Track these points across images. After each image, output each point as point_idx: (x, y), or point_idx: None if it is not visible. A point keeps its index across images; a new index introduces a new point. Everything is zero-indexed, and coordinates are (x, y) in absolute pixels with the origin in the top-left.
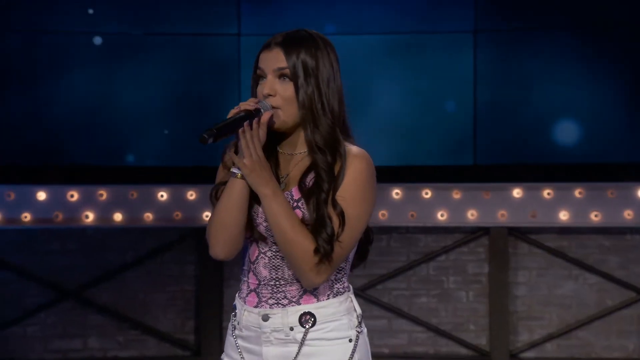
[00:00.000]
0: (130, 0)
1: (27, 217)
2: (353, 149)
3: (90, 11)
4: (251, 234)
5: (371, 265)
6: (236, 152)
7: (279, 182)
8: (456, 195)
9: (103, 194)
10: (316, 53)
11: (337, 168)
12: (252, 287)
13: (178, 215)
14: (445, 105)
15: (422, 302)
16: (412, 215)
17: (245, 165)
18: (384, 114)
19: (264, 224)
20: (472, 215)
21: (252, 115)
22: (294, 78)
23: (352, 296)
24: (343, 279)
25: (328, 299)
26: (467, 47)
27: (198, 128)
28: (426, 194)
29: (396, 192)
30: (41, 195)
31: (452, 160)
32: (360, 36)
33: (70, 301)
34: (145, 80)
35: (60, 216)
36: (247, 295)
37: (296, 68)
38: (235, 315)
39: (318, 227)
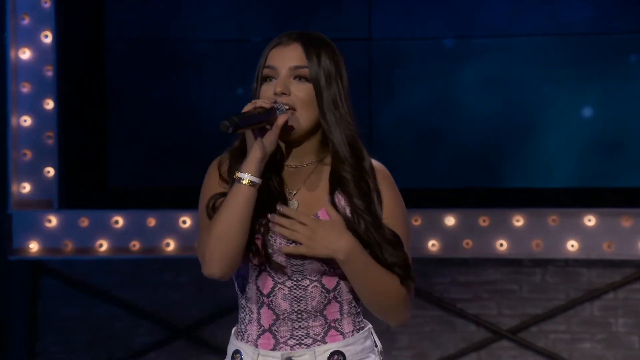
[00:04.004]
0: (250, 6)
1: (135, 245)
2: (375, 163)
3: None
4: (263, 262)
5: (524, 304)
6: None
7: (287, 199)
8: (626, 222)
9: None
10: (334, 55)
11: (372, 187)
12: (265, 325)
13: None
14: (626, 118)
15: (585, 348)
16: (571, 246)
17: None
18: (557, 126)
19: (284, 256)
20: None
21: (268, 114)
22: (314, 78)
23: (372, 330)
24: (361, 311)
25: (353, 334)
26: None
27: None
28: (589, 220)
29: (552, 219)
30: (151, 222)
31: (620, 181)
32: (508, 39)
33: (182, 340)
34: None
35: (172, 244)
36: (259, 337)
37: (318, 68)
38: None
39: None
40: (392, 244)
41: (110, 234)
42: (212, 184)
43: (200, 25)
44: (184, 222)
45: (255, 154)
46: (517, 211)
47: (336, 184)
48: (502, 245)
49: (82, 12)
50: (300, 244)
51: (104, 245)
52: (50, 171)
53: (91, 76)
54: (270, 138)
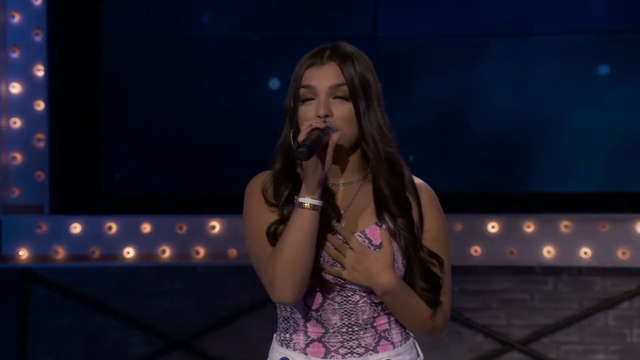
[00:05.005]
0: (251, 4)
1: (129, 252)
2: (418, 181)
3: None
4: (314, 281)
5: (535, 314)
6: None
7: (340, 218)
8: None
9: (215, 225)
10: (368, 67)
11: (413, 204)
12: (313, 336)
13: None
14: None
15: (599, 359)
16: (585, 253)
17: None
18: (574, 129)
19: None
20: None
21: (323, 134)
22: (353, 95)
23: (415, 340)
24: None
25: (402, 344)
26: None
27: None
28: (603, 227)
29: (565, 225)
30: (146, 228)
31: (635, 186)
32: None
33: (179, 351)
34: (267, 91)
35: (168, 251)
36: (307, 346)
37: (357, 84)
38: None
39: (432, 289)
40: (428, 267)
41: (104, 240)
42: (260, 208)
43: (198, 24)
44: (180, 228)
45: (314, 176)
46: (527, 217)
47: (381, 204)
48: (512, 252)
49: (76, 10)
50: (344, 268)
51: (96, 252)
52: (41, 175)
53: (84, 76)
54: (326, 158)
